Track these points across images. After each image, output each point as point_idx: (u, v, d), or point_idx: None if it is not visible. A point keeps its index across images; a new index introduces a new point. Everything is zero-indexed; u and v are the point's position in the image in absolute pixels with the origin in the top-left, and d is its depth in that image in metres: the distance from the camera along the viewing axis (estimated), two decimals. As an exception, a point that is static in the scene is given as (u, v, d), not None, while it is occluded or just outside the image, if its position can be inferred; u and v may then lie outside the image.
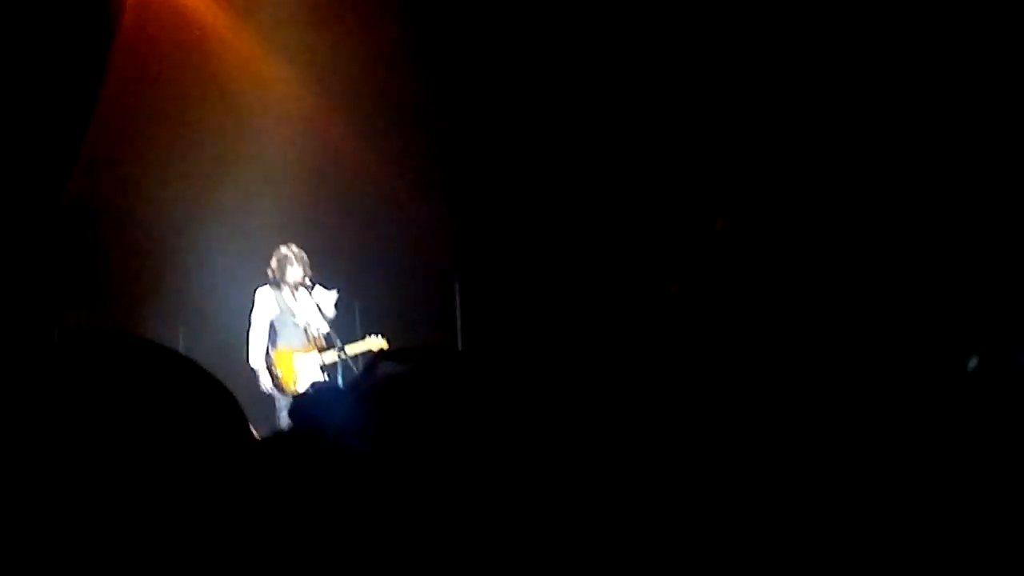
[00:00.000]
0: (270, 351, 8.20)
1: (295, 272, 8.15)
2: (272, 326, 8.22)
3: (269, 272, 8.22)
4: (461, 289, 8.70)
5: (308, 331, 8.26)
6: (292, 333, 8.23)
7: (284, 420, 7.77)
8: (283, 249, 8.22)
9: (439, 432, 1.37)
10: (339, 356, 8.12)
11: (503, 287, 8.61)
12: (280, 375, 8.17)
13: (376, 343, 8.14)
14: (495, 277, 8.65)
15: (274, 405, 8.11)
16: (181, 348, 8.57)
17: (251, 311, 8.20)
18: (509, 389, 1.43)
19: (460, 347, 8.49)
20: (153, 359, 1.10)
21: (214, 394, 1.14)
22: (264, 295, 8.22)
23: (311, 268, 8.24)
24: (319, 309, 8.16)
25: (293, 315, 8.25)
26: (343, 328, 8.34)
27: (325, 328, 8.19)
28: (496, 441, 1.36)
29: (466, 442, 1.35)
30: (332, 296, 8.26)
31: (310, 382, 8.13)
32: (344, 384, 7.96)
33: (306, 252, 8.25)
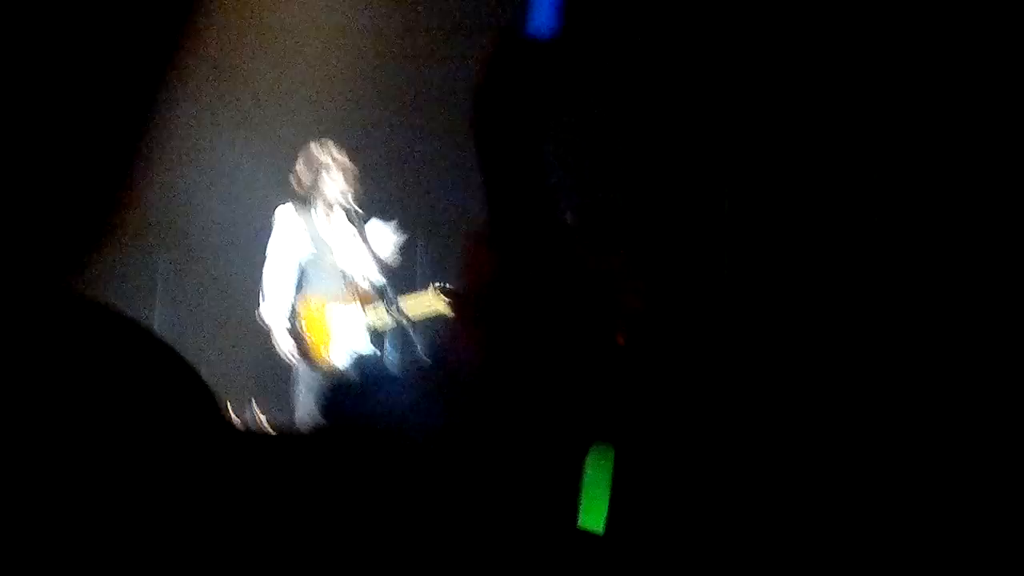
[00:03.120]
0: (295, 300, 5.60)
1: (334, 185, 5.54)
2: (300, 263, 5.64)
3: (293, 181, 5.59)
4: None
5: (346, 276, 5.64)
6: (326, 275, 5.65)
7: (304, 404, 5.47)
8: (315, 149, 5.61)
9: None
10: (389, 315, 5.53)
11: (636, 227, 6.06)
12: (308, 336, 5.57)
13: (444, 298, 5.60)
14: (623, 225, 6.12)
15: (290, 380, 5.59)
16: (159, 288, 6.36)
17: (267, 239, 5.65)
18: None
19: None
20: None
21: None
22: (288, 216, 5.63)
23: (358, 183, 5.64)
24: (367, 246, 5.54)
25: (330, 250, 5.63)
26: (399, 277, 5.73)
27: (374, 275, 5.58)
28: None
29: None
30: (391, 235, 5.65)
31: (353, 350, 5.59)
32: (396, 362, 5.65)
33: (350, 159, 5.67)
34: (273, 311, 5.54)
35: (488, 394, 1.21)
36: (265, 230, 5.61)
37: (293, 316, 5.54)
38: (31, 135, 0.86)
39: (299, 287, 5.59)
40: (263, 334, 5.59)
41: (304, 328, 5.53)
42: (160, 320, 6.49)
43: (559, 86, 1.28)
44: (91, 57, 0.87)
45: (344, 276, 5.62)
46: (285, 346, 5.51)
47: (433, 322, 5.53)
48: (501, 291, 1.20)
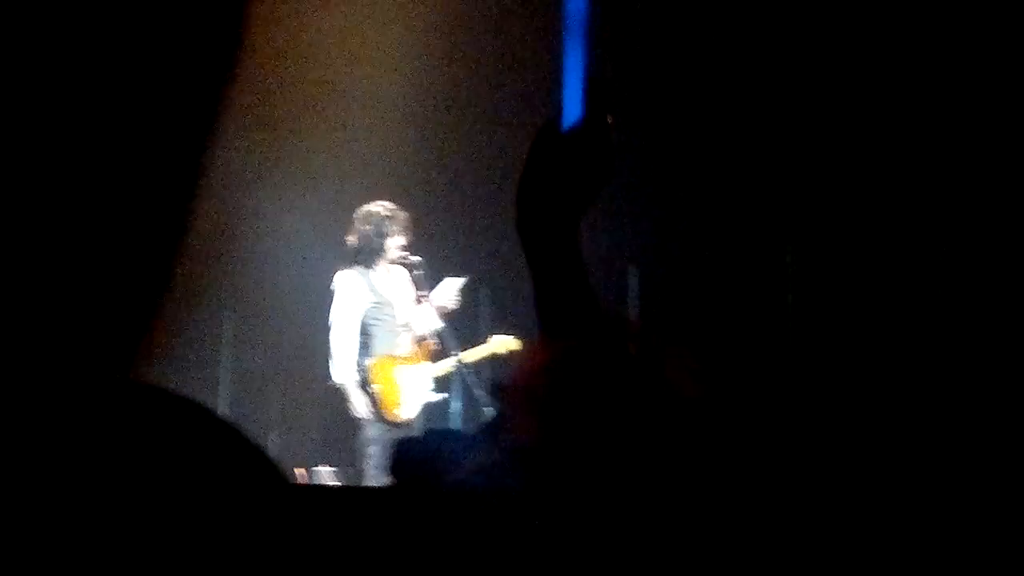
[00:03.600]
0: (363, 361, 5.55)
1: (394, 243, 5.54)
2: (364, 323, 5.58)
3: (354, 240, 5.59)
4: (641, 281, 6.07)
5: (411, 331, 5.64)
6: (391, 333, 5.61)
7: (377, 463, 5.36)
8: (376, 208, 5.59)
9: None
10: (456, 369, 5.54)
11: (696, 281, 6.01)
12: (379, 394, 5.50)
13: (504, 344, 5.53)
14: (686, 268, 6.07)
15: (359, 440, 5.51)
16: (227, 344, 6.40)
17: (332, 301, 5.62)
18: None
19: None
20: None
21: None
22: (349, 280, 5.60)
23: (412, 236, 5.64)
24: (430, 300, 5.55)
25: (392, 307, 5.62)
26: (463, 329, 5.73)
27: (435, 324, 5.57)
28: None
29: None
30: (455, 283, 5.61)
31: (421, 404, 5.57)
32: (465, 417, 5.59)
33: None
34: (344, 373, 5.50)
35: (549, 471, 1.16)
36: (328, 291, 5.59)
37: (364, 377, 5.49)
38: (94, 197, 0.85)
39: (366, 347, 5.54)
40: (331, 395, 5.56)
41: (375, 388, 5.48)
42: (225, 381, 6.51)
43: (593, 168, 1.29)
44: (150, 122, 0.86)
45: (409, 332, 5.62)
46: (358, 407, 5.46)
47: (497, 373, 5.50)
48: (552, 380, 1.16)
